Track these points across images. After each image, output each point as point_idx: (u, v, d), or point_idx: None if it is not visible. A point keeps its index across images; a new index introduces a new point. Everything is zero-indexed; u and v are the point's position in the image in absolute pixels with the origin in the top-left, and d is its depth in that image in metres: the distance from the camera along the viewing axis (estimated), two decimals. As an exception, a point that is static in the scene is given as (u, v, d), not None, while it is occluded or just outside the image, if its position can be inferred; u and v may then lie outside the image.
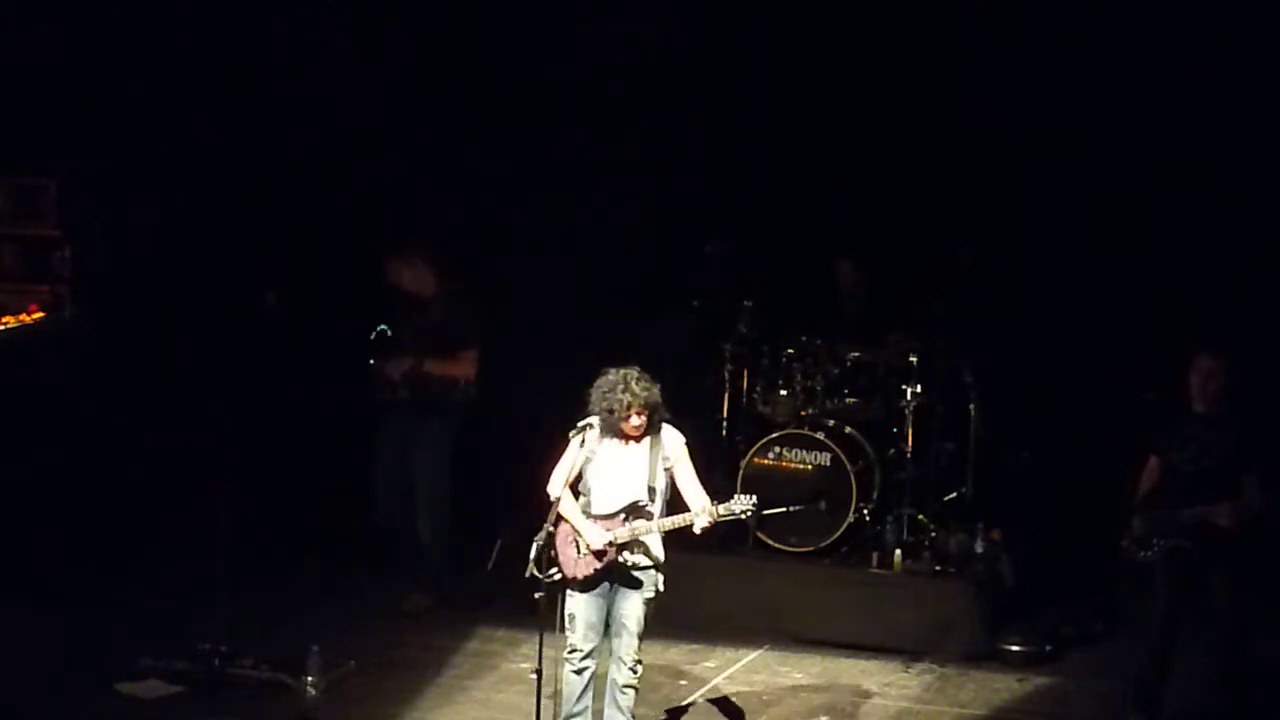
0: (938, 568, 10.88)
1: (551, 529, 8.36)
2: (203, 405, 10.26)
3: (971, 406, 11.38)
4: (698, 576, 10.39)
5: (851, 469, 10.99)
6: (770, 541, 11.04)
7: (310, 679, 9.34)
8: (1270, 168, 11.33)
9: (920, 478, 11.30)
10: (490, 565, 11.50)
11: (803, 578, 10.93)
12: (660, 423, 8.48)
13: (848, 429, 11.30)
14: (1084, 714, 9.73)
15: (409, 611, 10.85)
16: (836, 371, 11.38)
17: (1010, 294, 11.80)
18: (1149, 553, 9.01)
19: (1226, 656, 9.06)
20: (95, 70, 11.23)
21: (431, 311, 10.83)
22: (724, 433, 11.54)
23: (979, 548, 10.96)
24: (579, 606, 8.47)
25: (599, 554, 8.41)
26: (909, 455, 11.21)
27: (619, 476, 8.47)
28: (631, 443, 8.47)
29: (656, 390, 8.40)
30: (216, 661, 9.57)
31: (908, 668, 10.27)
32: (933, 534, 11.11)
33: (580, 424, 8.48)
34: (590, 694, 8.61)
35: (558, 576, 8.43)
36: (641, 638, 8.53)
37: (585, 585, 8.46)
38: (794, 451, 11.15)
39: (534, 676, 8.38)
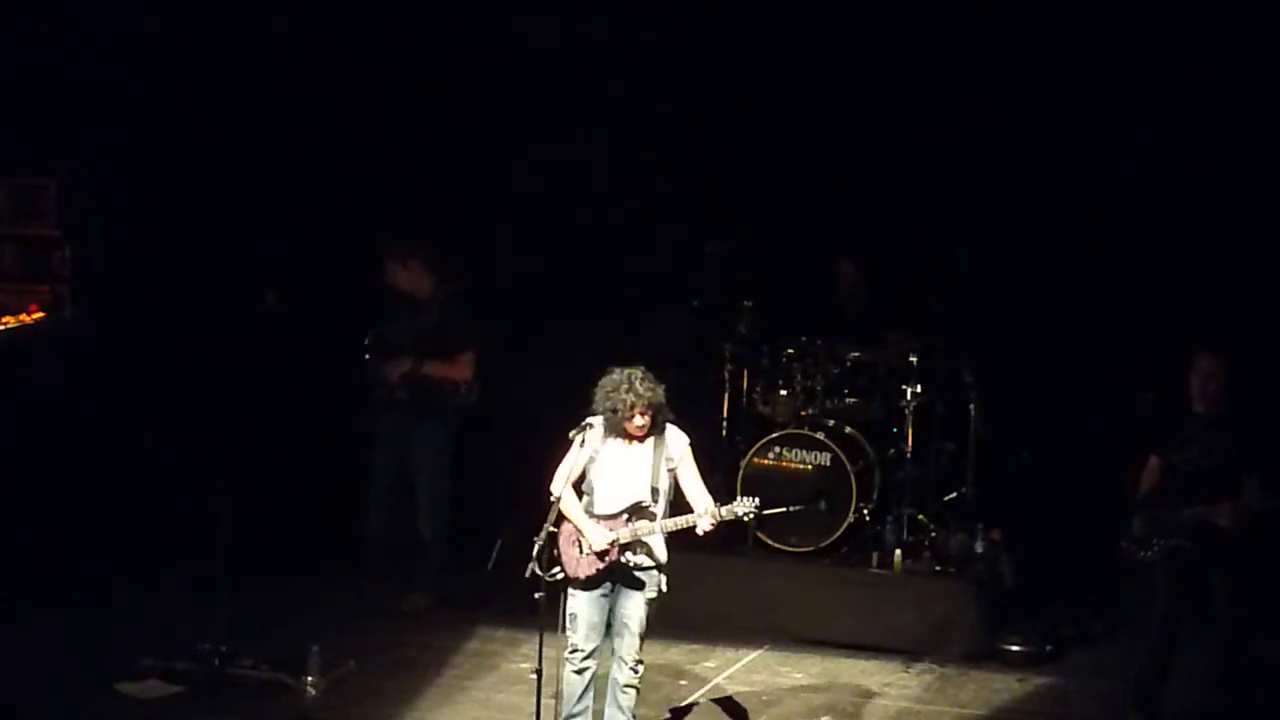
0: (938, 568, 10.88)
1: (552, 528, 8.36)
2: (203, 405, 10.25)
3: (971, 406, 11.38)
4: (698, 576, 10.38)
5: (851, 469, 10.99)
6: (770, 541, 11.04)
7: (310, 679, 9.35)
8: (1270, 168, 11.32)
9: (920, 478, 11.30)
10: (490, 565, 11.50)
11: (803, 578, 10.93)
12: (664, 423, 8.48)
13: (848, 429, 11.30)
14: (1084, 714, 9.74)
15: (409, 611, 10.85)
16: (836, 371, 11.38)
17: (1010, 294, 11.80)
18: (1149, 553, 9.01)
19: (1226, 656, 9.06)
20: (95, 70, 11.23)
21: (428, 313, 10.83)
22: (724, 433, 11.54)
23: (979, 548, 10.96)
24: (581, 606, 8.47)
25: (601, 554, 8.42)
26: (909, 455, 11.21)
27: (622, 476, 8.47)
28: (635, 443, 8.47)
29: (661, 391, 8.40)
30: (216, 661, 9.56)
31: (908, 668, 10.27)
32: (933, 534, 11.12)
33: (581, 423, 8.48)
34: (591, 694, 8.62)
35: (560, 576, 8.43)
36: (643, 638, 8.53)
37: (587, 585, 8.46)
38: (794, 451, 11.15)
39: (534, 676, 8.39)
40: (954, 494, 11.48)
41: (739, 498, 8.63)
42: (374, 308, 10.99)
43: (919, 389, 11.20)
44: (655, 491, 8.45)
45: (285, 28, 11.93)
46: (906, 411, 11.21)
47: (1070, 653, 10.47)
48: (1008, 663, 10.31)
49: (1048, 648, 10.40)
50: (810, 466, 11.10)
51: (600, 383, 8.43)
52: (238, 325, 10.68)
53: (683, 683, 9.93)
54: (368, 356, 10.88)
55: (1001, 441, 11.64)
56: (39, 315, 11.10)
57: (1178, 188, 11.50)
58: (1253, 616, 9.07)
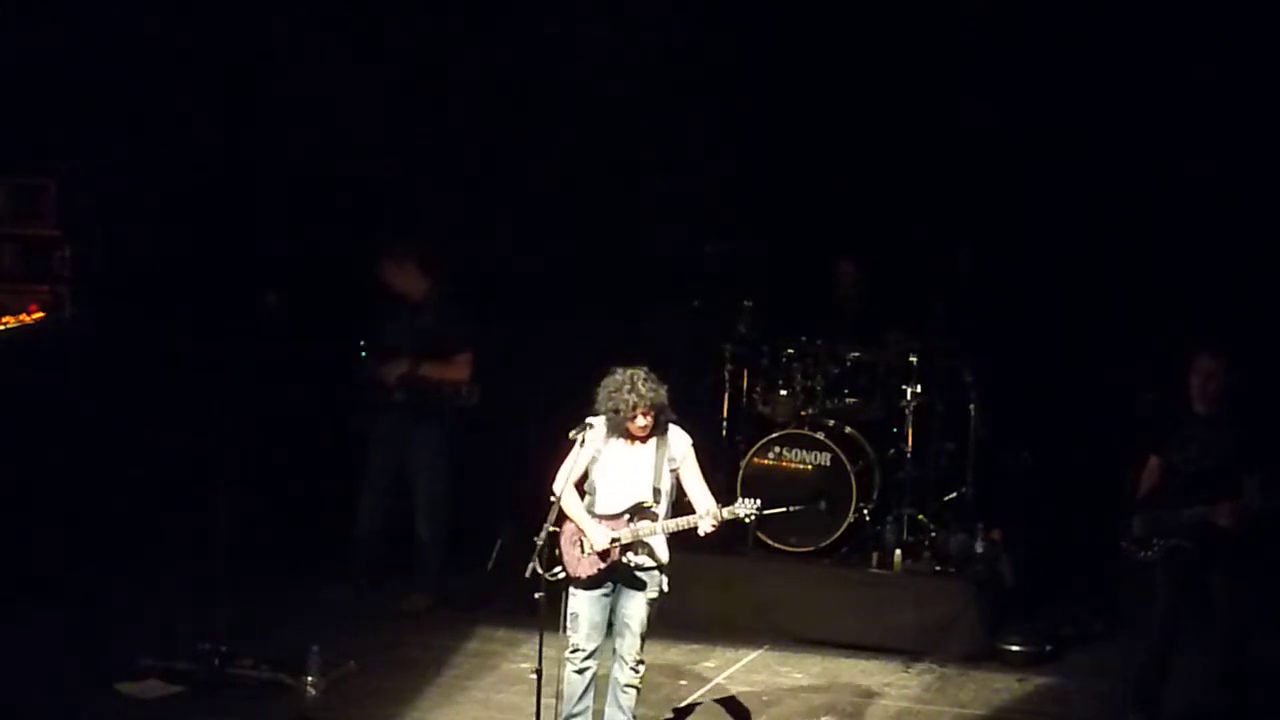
0: (938, 568, 10.89)
1: (554, 528, 8.37)
2: (203, 405, 10.26)
3: (971, 406, 11.38)
4: (698, 576, 10.38)
5: (851, 469, 11.00)
6: (770, 541, 11.04)
7: (310, 679, 9.35)
8: (1270, 168, 11.32)
9: (920, 478, 11.30)
10: (490, 565, 11.50)
11: (803, 578, 10.93)
12: (667, 424, 8.48)
13: (848, 429, 11.30)
14: (1084, 714, 9.74)
15: (409, 611, 10.85)
16: (836, 371, 11.38)
17: (1010, 294, 11.80)
18: (1149, 553, 9.01)
19: (1226, 656, 9.07)
20: (95, 70, 11.22)
21: (424, 314, 10.83)
22: (724, 433, 11.54)
23: (979, 548, 10.97)
24: (583, 606, 8.47)
25: (603, 554, 8.42)
26: (909, 455, 11.21)
27: (624, 477, 8.47)
28: (638, 443, 8.47)
29: (663, 391, 8.40)
30: (216, 661, 9.57)
31: (908, 668, 10.28)
32: (933, 534, 11.12)
33: (582, 423, 8.48)
34: (592, 694, 8.62)
35: (561, 575, 8.43)
36: (644, 638, 8.54)
37: (589, 585, 8.46)
38: (794, 451, 11.15)
39: (534, 676, 8.39)
40: (954, 494, 11.48)
41: (740, 498, 8.64)
42: (370, 308, 10.99)
43: (919, 389, 11.20)
44: (657, 492, 8.45)
45: (285, 28, 11.93)
46: (906, 411, 11.22)
47: (1070, 653, 10.47)
48: (1008, 663, 10.31)
49: (1048, 648, 10.40)
50: (810, 466, 11.10)
51: (603, 383, 8.43)
52: (238, 325, 10.68)
53: (683, 683, 9.93)
54: (363, 355, 10.88)
55: (1001, 441, 11.64)
56: (39, 315, 11.09)
57: (1178, 188, 11.50)
58: (1253, 616, 9.07)
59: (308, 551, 11.41)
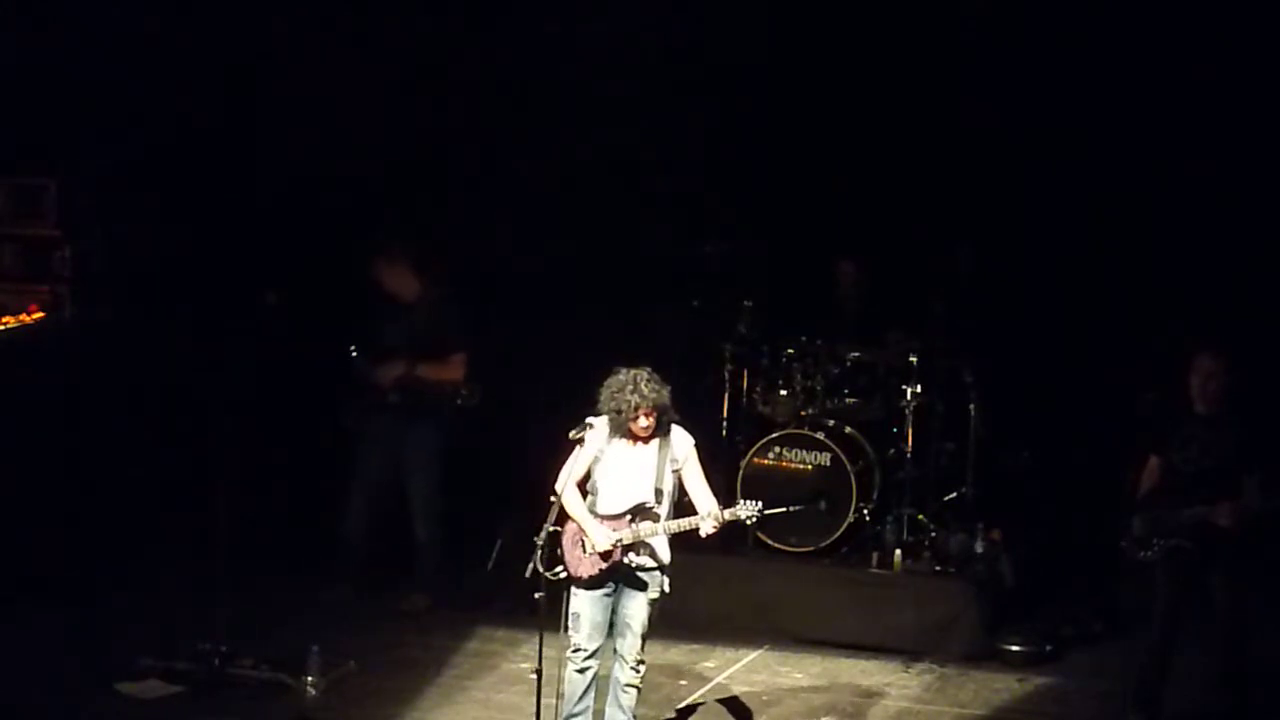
0: (938, 568, 10.89)
1: (556, 527, 8.37)
2: (203, 405, 10.26)
3: (971, 406, 11.38)
4: (698, 576, 10.37)
5: (851, 469, 11.00)
6: (770, 541, 11.05)
7: (310, 679, 9.35)
8: (1270, 168, 11.32)
9: (920, 478, 11.30)
10: (490, 565, 11.50)
11: (803, 578, 10.93)
12: (669, 424, 8.48)
13: (848, 429, 11.30)
14: (1084, 714, 9.74)
15: (409, 611, 10.85)
16: (836, 371, 11.38)
17: (1010, 294, 11.80)
18: (1149, 553, 9.01)
19: (1226, 656, 9.07)
20: (95, 70, 11.22)
21: (418, 315, 10.82)
22: (724, 433, 11.54)
23: (979, 548, 10.97)
24: (584, 606, 8.47)
25: (604, 554, 8.42)
26: (909, 455, 11.21)
27: (626, 477, 8.47)
28: (640, 443, 8.47)
29: (666, 392, 8.39)
30: (216, 661, 9.57)
31: (908, 668, 10.28)
32: (933, 534, 11.12)
33: (582, 423, 8.47)
34: (593, 693, 8.62)
35: (563, 575, 8.43)
36: (645, 638, 8.54)
37: (590, 585, 8.46)
38: (794, 451, 11.15)
39: (534, 676, 8.39)
40: (954, 494, 11.48)
41: (741, 500, 8.64)
42: (364, 308, 10.98)
43: (919, 389, 11.20)
44: (659, 493, 8.45)
45: (285, 28, 11.92)
46: (906, 411, 11.22)
47: (1070, 653, 10.47)
48: (1008, 663, 10.31)
49: (1048, 648, 10.40)
50: (810, 466, 11.11)
51: (606, 383, 8.43)
52: (238, 325, 10.68)
53: (683, 683, 9.93)
54: (354, 356, 10.86)
55: (1001, 441, 11.64)
56: (39, 315, 11.09)
57: (1178, 188, 11.50)
58: (1253, 616, 9.07)
59: (308, 551, 11.40)
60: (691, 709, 9.59)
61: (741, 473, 11.09)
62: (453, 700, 9.57)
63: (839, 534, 11.02)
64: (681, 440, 8.53)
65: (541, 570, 8.30)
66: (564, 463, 8.52)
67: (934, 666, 10.30)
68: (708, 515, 8.41)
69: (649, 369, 8.41)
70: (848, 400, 11.42)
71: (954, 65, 11.85)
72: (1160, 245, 11.61)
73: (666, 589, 8.53)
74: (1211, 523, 8.86)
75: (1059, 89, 11.67)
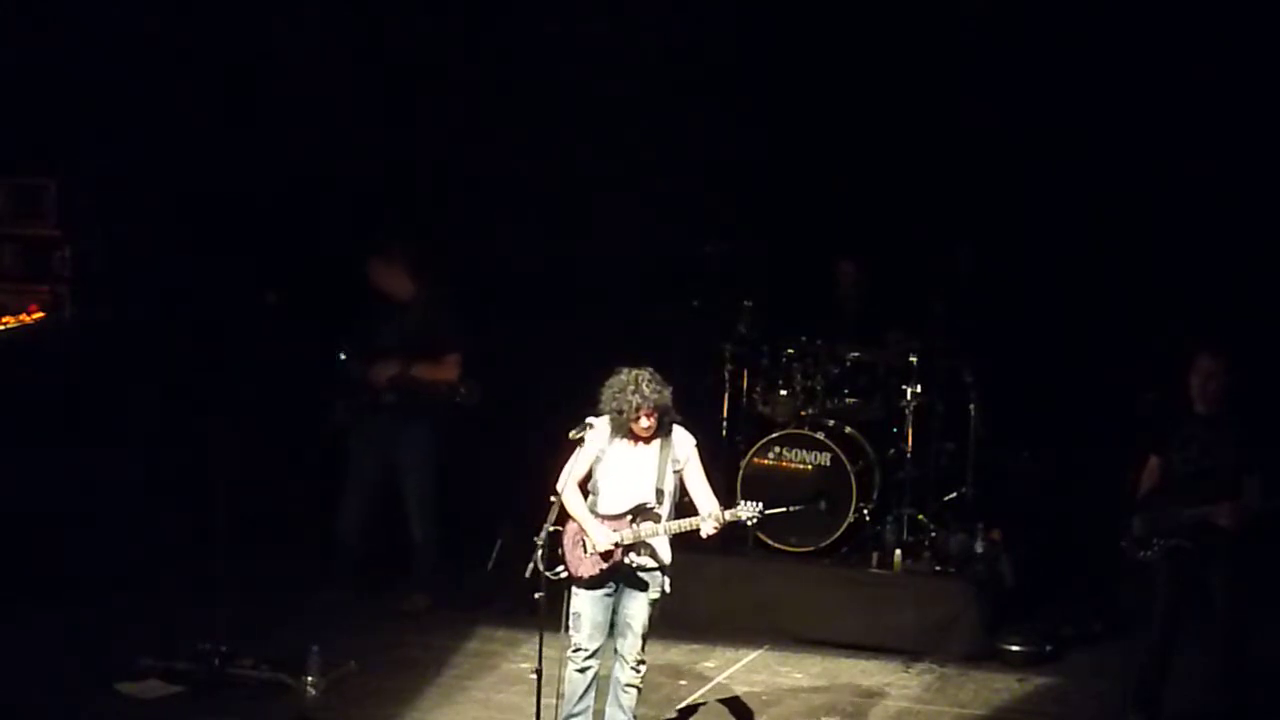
0: (938, 568, 10.89)
1: (555, 527, 8.37)
2: (202, 405, 10.26)
3: (971, 406, 11.38)
4: (698, 576, 10.38)
5: (851, 469, 11.00)
6: (770, 541, 11.04)
7: (310, 679, 9.35)
8: (1270, 168, 11.32)
9: (920, 478, 11.30)
10: (490, 565, 11.50)
11: (803, 578, 10.93)
12: (671, 425, 8.48)
13: (848, 429, 11.30)
14: (1084, 714, 9.74)
15: (409, 611, 10.85)
16: (836, 371, 11.38)
17: (1010, 294, 11.80)
18: (1149, 553, 9.01)
19: (1226, 656, 9.06)
20: (95, 70, 11.22)
21: (413, 315, 10.81)
22: (724, 433, 11.54)
23: (979, 548, 10.97)
24: (585, 606, 8.47)
25: (605, 554, 8.42)
26: (909, 455, 11.21)
27: (627, 478, 8.47)
28: (641, 444, 8.47)
29: (668, 393, 8.39)
30: (216, 661, 9.57)
31: (908, 668, 10.28)
32: (933, 534, 11.12)
33: (582, 423, 8.47)
34: (593, 693, 8.62)
35: (564, 575, 8.43)
36: (645, 638, 8.54)
37: (591, 585, 8.46)
38: (794, 451, 11.15)
39: (534, 676, 8.39)
40: (954, 494, 11.48)
41: (742, 501, 8.64)
42: (357, 308, 10.97)
43: (919, 389, 11.20)
44: (660, 493, 8.45)
45: (285, 28, 11.93)
46: (906, 411, 11.22)
47: (1070, 653, 10.47)
48: (1008, 663, 10.31)
49: (1048, 648, 10.40)
50: (810, 466, 11.11)
51: (607, 383, 8.43)
52: (238, 325, 10.68)
53: (683, 683, 9.93)
54: (341, 356, 10.85)
55: (1001, 441, 11.64)
56: (39, 315, 11.09)
57: (1178, 188, 11.50)
58: (1253, 616, 9.07)
59: (308, 552, 11.40)
60: (691, 709, 9.59)
61: (741, 473, 11.09)
62: (453, 700, 9.57)
63: (839, 534, 11.02)
64: (683, 440, 8.53)
65: (542, 570, 8.30)
66: (564, 462, 8.52)
67: (934, 666, 10.30)
68: (708, 516, 8.41)
69: (651, 369, 8.41)
70: (848, 400, 11.41)
71: (954, 65, 11.85)
72: (1160, 245, 11.61)
73: (667, 589, 8.53)
74: (1211, 523, 8.86)
75: (1059, 89, 11.67)
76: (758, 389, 11.48)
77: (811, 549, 11.03)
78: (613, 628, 8.57)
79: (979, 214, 11.96)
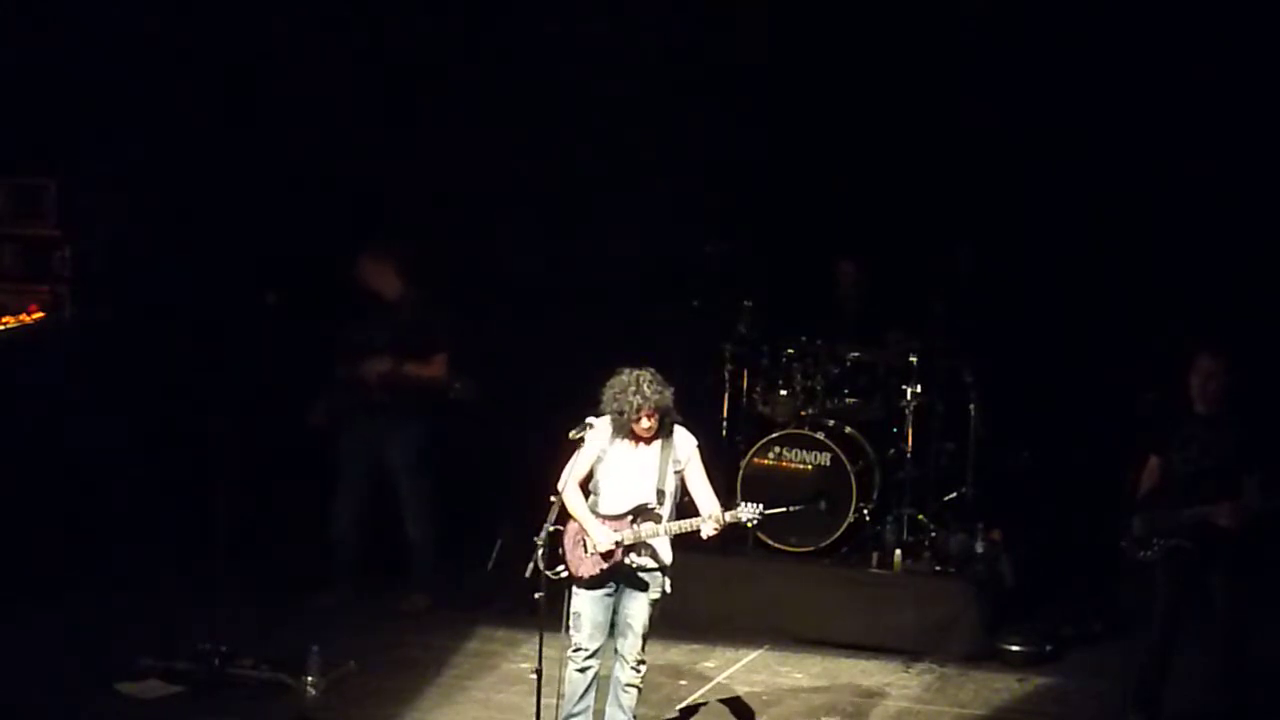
0: (938, 568, 10.89)
1: (555, 527, 8.36)
2: (202, 405, 10.26)
3: (971, 406, 11.37)
4: (698, 576, 10.37)
5: (851, 469, 11.00)
6: (770, 541, 11.04)
7: (310, 679, 9.35)
8: (1270, 168, 11.32)
9: (920, 478, 11.30)
10: (490, 565, 11.50)
11: (803, 578, 10.93)
12: (672, 425, 8.48)
13: (848, 429, 11.30)
14: (1084, 714, 9.74)
15: (409, 611, 10.85)
16: (836, 371, 11.38)
17: (1010, 294, 11.80)
18: (1149, 553, 9.01)
19: (1226, 656, 9.07)
20: (95, 70, 11.22)
21: (400, 314, 10.80)
22: (724, 433, 11.53)
23: (979, 548, 10.97)
24: (585, 605, 8.47)
25: (606, 555, 8.42)
26: (909, 455, 11.21)
27: (628, 478, 8.47)
28: (642, 444, 8.47)
29: (669, 393, 8.39)
30: (216, 661, 9.56)
31: (908, 668, 10.28)
32: (933, 534, 11.12)
33: (582, 423, 8.47)
34: (593, 693, 8.62)
35: (564, 575, 8.44)
36: (646, 638, 8.54)
37: (591, 584, 8.46)
38: (794, 451, 11.15)
39: (534, 676, 8.39)
40: (954, 494, 11.48)
41: (742, 502, 8.63)
42: (346, 307, 10.97)
43: (919, 389, 11.20)
44: (661, 494, 8.45)
45: (285, 28, 11.93)
46: (906, 411, 11.22)
47: (1070, 653, 10.47)
48: (1008, 663, 10.31)
49: (1048, 648, 10.40)
50: (810, 466, 11.10)
51: (609, 383, 8.42)
52: (238, 325, 10.68)
53: (683, 683, 9.93)
54: (337, 356, 10.86)
55: (1001, 441, 11.64)
56: (39, 315, 11.09)
57: (1178, 188, 11.50)
58: (1253, 616, 9.07)
59: (308, 552, 11.40)
60: (692, 709, 9.59)
61: (741, 473, 11.09)
62: (453, 700, 9.57)
63: (839, 534, 11.02)
64: (684, 441, 8.53)
65: (542, 570, 8.29)
66: (564, 462, 8.52)
67: (934, 666, 10.30)
68: (709, 518, 8.41)
69: (652, 370, 8.40)
70: (848, 400, 11.41)
71: (954, 65, 11.85)
72: (1160, 245, 11.61)
73: (668, 589, 8.53)
74: (1211, 523, 8.86)
75: (1059, 89, 11.68)
76: (758, 389, 11.48)
77: (811, 549, 11.03)
78: (613, 628, 8.57)
79: (979, 214, 11.96)
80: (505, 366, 11.35)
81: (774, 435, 11.20)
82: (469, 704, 9.53)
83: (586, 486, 8.54)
